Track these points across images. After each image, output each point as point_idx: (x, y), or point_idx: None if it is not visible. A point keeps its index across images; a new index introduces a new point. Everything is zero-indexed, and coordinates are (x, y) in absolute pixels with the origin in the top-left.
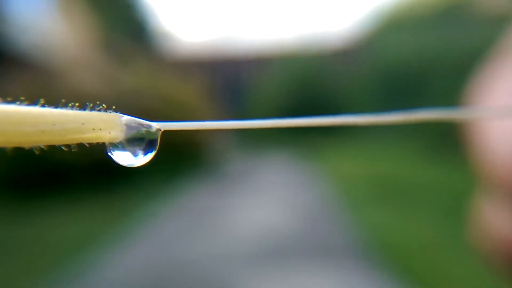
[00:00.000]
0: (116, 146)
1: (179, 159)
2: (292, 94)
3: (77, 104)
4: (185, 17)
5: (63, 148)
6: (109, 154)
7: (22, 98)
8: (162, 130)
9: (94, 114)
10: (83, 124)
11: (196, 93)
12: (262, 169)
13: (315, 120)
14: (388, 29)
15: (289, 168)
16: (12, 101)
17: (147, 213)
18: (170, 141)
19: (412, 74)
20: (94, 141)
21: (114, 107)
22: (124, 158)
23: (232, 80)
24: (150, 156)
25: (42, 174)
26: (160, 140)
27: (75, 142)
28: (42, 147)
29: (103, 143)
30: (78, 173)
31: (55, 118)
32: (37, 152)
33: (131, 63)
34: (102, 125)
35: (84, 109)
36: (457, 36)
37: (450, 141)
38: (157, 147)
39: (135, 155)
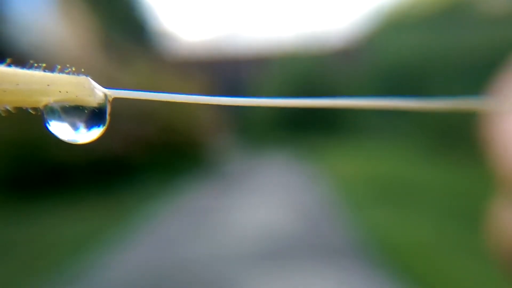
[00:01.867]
0: (54, 115)
1: (179, 159)
2: (292, 94)
3: (43, 65)
4: (185, 17)
5: (62, 147)
6: (46, 125)
7: None
8: (112, 97)
9: (61, 76)
10: (48, 85)
11: (196, 93)
12: (262, 169)
13: (315, 102)
14: (389, 28)
15: (289, 168)
16: None
17: (147, 213)
18: (170, 141)
19: (412, 73)
20: (61, 103)
21: (83, 70)
22: (62, 130)
23: (232, 79)
24: (96, 132)
25: (42, 174)
26: (160, 140)
27: (40, 104)
28: (2, 111)
29: (103, 143)
30: (78, 173)
31: (19, 77)
32: (3, 114)
33: (131, 63)
34: (69, 88)
35: (52, 71)
36: (457, 35)
37: (450, 141)
38: (107, 123)
39: (75, 128)
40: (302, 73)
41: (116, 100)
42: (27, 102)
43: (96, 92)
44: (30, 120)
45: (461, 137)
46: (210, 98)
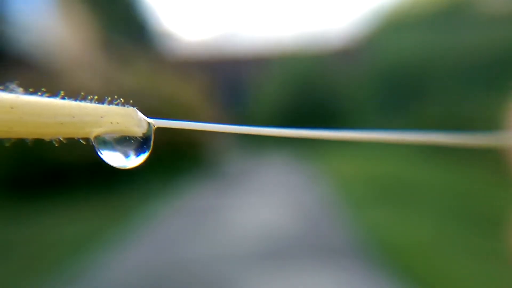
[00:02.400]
0: (106, 145)
1: (179, 159)
2: (292, 94)
3: (95, 97)
4: (185, 17)
5: (62, 147)
6: (99, 154)
7: (43, 90)
8: (156, 126)
9: (112, 108)
10: (101, 117)
11: (196, 93)
12: (262, 170)
13: (316, 133)
14: (389, 28)
15: (289, 168)
16: (33, 93)
17: (147, 213)
18: (170, 141)
19: (412, 73)
20: (112, 133)
21: (131, 101)
22: (114, 159)
23: (232, 79)
24: (143, 157)
25: (42, 174)
26: (160, 140)
27: (91, 135)
28: (56, 141)
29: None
30: (78, 173)
31: (74, 110)
32: (56, 145)
33: (131, 63)
34: (119, 119)
35: (102, 103)
36: (457, 35)
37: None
38: (151, 148)
39: (126, 156)
40: (303, 73)
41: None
42: (80, 133)
43: (143, 123)
44: None
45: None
46: (252, 128)
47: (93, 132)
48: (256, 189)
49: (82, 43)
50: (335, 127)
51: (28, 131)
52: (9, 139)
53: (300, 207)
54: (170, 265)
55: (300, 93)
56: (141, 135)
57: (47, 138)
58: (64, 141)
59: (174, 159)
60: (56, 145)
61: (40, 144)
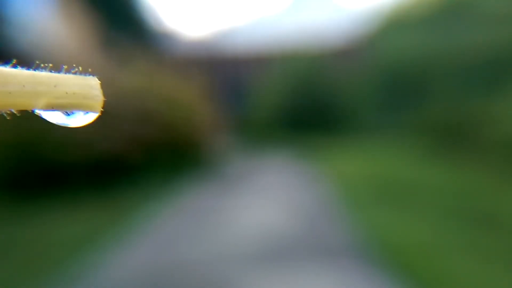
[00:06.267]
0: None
1: (179, 159)
2: (293, 94)
3: (50, 65)
4: (185, 16)
5: (62, 147)
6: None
7: None
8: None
9: (68, 76)
10: (55, 86)
11: (196, 93)
12: (262, 170)
13: None
14: (390, 28)
15: (289, 168)
16: None
17: (147, 213)
18: (170, 141)
19: (413, 73)
20: (68, 109)
21: (90, 70)
22: (54, 116)
23: (232, 79)
24: (89, 117)
25: (42, 174)
26: (160, 140)
27: (46, 107)
28: (7, 115)
29: (102, 143)
30: (78, 173)
31: (24, 78)
32: (8, 118)
33: (130, 62)
34: (76, 89)
35: (59, 71)
36: (459, 35)
37: (450, 142)
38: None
39: (67, 113)
40: (303, 72)
41: (115, 100)
42: (33, 105)
43: (101, 94)
44: (29, 120)
45: (462, 137)
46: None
47: (47, 104)
48: (256, 189)
49: (82, 42)
50: (336, 126)
51: None
52: None
53: (301, 208)
54: (170, 266)
55: (301, 93)
56: (99, 111)
57: None
58: (18, 114)
59: (173, 159)
60: (8, 118)
61: (40, 144)
